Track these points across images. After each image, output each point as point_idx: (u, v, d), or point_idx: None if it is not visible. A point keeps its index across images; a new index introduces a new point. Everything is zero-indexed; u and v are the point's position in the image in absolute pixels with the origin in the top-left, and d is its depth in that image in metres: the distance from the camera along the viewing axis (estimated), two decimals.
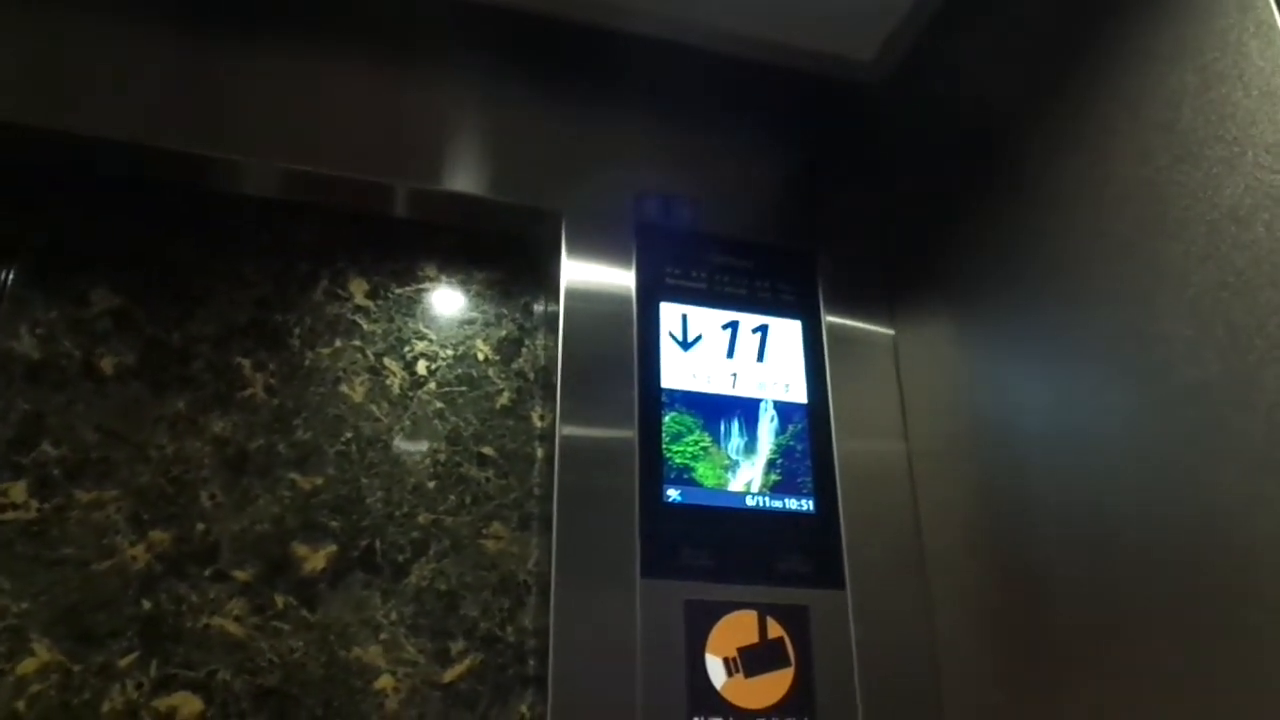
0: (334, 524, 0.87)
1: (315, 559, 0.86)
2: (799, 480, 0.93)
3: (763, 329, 0.99)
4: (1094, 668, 0.72)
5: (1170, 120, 0.69)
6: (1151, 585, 0.68)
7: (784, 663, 0.85)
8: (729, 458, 0.92)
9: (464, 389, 0.97)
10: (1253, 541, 0.60)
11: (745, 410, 0.94)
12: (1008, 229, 0.87)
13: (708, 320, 0.97)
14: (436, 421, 0.94)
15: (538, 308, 1.03)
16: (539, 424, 0.97)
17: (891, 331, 1.04)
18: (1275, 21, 0.62)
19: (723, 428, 0.93)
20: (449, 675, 0.85)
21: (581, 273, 0.95)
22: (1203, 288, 0.65)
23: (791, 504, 0.92)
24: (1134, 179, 0.72)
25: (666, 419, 0.91)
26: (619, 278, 0.96)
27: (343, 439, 0.90)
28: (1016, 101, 0.87)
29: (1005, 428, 0.85)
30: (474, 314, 1.01)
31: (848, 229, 1.08)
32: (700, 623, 0.84)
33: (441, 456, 0.93)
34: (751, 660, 0.84)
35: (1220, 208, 0.64)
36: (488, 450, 0.95)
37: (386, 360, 0.95)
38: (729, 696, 0.82)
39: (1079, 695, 0.73)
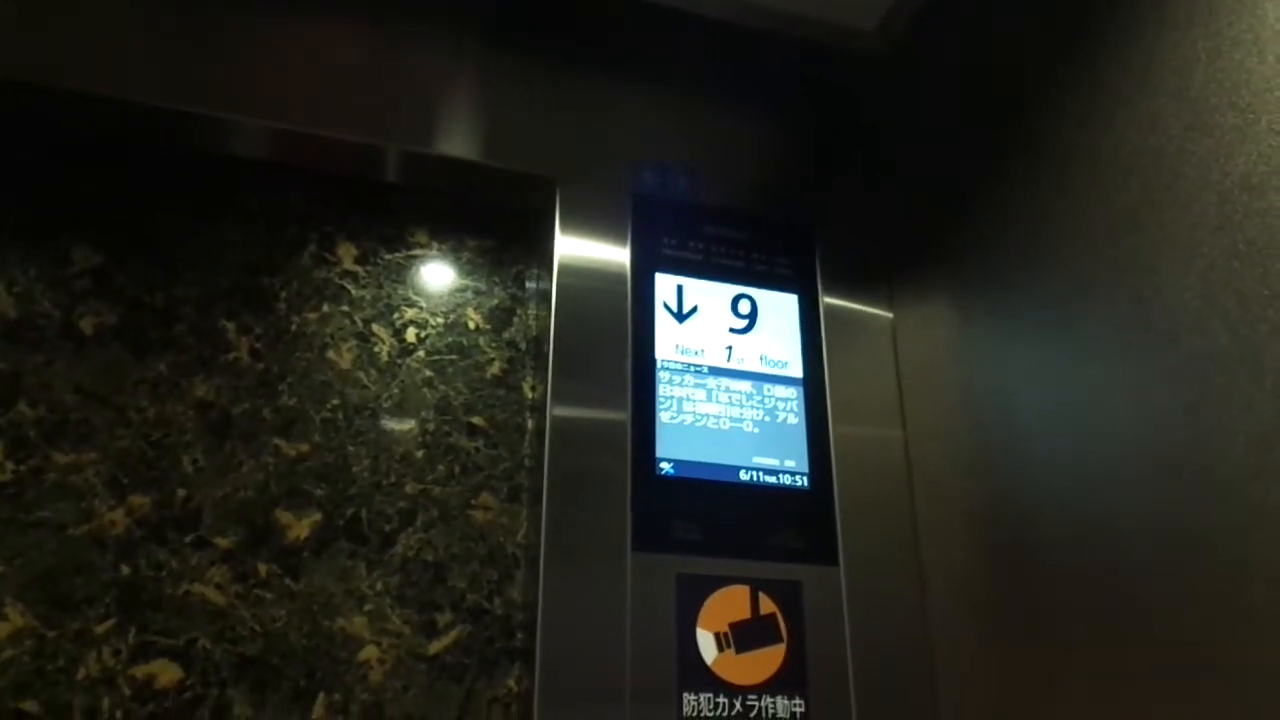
0: (319, 492, 0.85)
1: (299, 527, 0.84)
2: (793, 456, 0.91)
3: (759, 302, 0.97)
4: (1091, 645, 0.71)
5: (1181, 88, 0.68)
6: (1152, 562, 0.67)
7: (776, 638, 0.84)
8: (722, 431, 0.90)
9: (454, 358, 0.95)
10: (1259, 515, 0.59)
11: (740, 382, 0.93)
12: (1011, 203, 0.85)
13: (703, 292, 0.96)
14: (426, 390, 0.92)
15: (530, 276, 1.01)
16: (530, 394, 0.95)
17: (890, 314, 1.02)
18: None
19: (717, 400, 0.91)
20: (435, 647, 0.84)
21: (575, 240, 0.93)
22: (1213, 258, 0.64)
23: (785, 479, 0.90)
24: (1143, 149, 0.70)
25: (660, 391, 0.90)
26: (613, 247, 0.94)
27: (329, 406, 0.88)
28: (1020, 72, 0.86)
29: (1004, 406, 0.84)
30: (465, 282, 0.99)
31: (848, 205, 1.07)
32: (692, 597, 0.83)
33: (430, 426, 0.91)
34: (743, 635, 0.83)
35: (1232, 176, 0.63)
36: (477, 420, 0.93)
37: (375, 327, 0.93)
38: (720, 672, 0.81)
39: (1075, 673, 0.72)
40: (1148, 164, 0.70)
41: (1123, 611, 0.68)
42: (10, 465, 0.78)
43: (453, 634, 0.85)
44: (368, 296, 0.94)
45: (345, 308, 0.93)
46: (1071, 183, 0.78)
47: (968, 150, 0.93)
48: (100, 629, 0.76)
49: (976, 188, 0.91)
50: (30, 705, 0.72)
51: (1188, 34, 0.68)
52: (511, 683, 0.84)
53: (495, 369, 0.96)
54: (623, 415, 0.87)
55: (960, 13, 0.95)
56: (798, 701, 0.82)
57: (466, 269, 0.99)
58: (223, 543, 0.81)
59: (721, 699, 0.80)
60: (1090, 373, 0.74)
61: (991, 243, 0.88)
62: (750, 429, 0.91)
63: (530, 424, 0.94)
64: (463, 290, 0.98)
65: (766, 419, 0.92)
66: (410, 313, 0.95)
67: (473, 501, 0.90)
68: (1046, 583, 0.76)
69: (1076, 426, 0.75)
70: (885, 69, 1.04)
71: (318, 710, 0.78)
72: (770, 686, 0.82)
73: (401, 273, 0.97)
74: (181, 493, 0.82)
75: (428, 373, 0.93)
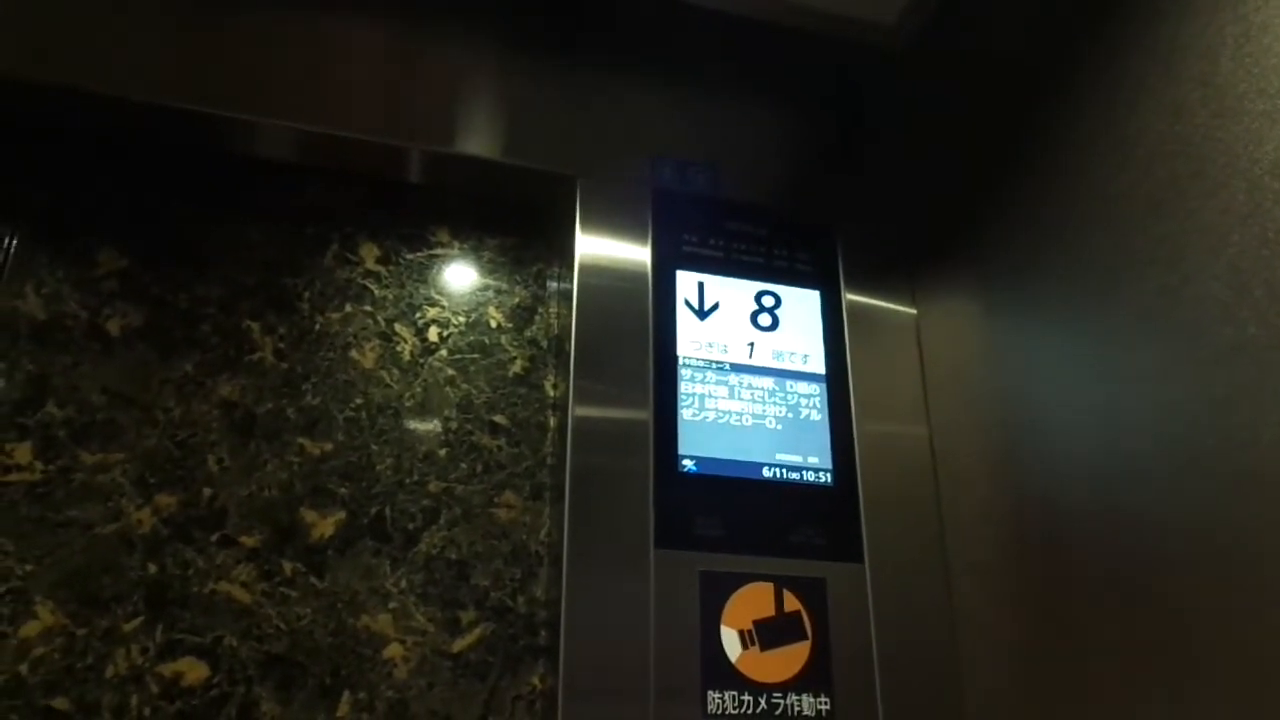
0: (343, 491, 0.86)
1: (324, 525, 0.84)
2: (816, 452, 0.91)
3: (781, 298, 0.97)
4: (1120, 642, 0.70)
5: (1208, 74, 0.67)
6: (1183, 557, 0.65)
7: (800, 636, 0.83)
8: (745, 428, 0.90)
9: (476, 356, 0.95)
10: None
11: (762, 379, 0.92)
12: (1034, 195, 0.85)
13: (725, 288, 0.95)
14: (448, 389, 0.93)
15: (551, 275, 1.01)
16: (552, 393, 0.95)
17: (913, 310, 1.02)
18: None
19: (739, 397, 0.91)
20: (459, 645, 0.84)
21: (596, 238, 0.93)
22: (1242, 247, 0.62)
23: (809, 476, 0.90)
24: (1169, 136, 0.69)
25: (681, 388, 0.89)
26: (634, 244, 0.94)
27: (352, 405, 0.89)
28: (1044, 63, 0.85)
29: (1029, 400, 0.83)
30: (486, 280, 0.99)
31: (868, 200, 1.06)
32: (715, 594, 0.83)
33: (453, 424, 0.91)
34: (767, 633, 0.82)
35: (1262, 163, 0.62)
36: (500, 419, 0.93)
37: (397, 326, 0.94)
38: (744, 669, 0.81)
39: (1103, 670, 0.71)
40: (1174, 151, 0.69)
41: (1153, 607, 0.67)
42: (39, 465, 0.79)
43: (476, 632, 0.85)
44: (390, 296, 0.95)
45: (368, 307, 0.93)
46: (1094, 173, 0.77)
47: (989, 142, 0.92)
48: (128, 627, 0.77)
49: (998, 180, 0.90)
50: (60, 703, 0.73)
51: (1214, 19, 0.67)
52: (535, 680, 0.84)
53: (517, 367, 0.96)
54: (644, 413, 0.87)
55: (979, 4, 0.94)
56: (823, 699, 0.81)
57: (488, 268, 1.00)
58: (248, 541, 0.82)
59: (746, 696, 0.80)
60: (1117, 365, 0.73)
61: (1014, 235, 0.87)
62: (773, 426, 0.91)
63: (552, 422, 0.94)
64: (484, 289, 0.99)
65: (789, 416, 0.92)
66: (432, 312, 0.95)
67: (495, 500, 0.90)
68: (1074, 578, 0.75)
69: (1103, 420, 0.74)
70: (905, 62, 1.03)
71: (343, 708, 0.79)
72: (795, 684, 0.81)
73: (423, 272, 0.97)
74: (207, 492, 0.82)
75: (450, 372, 0.94)
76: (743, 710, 0.79)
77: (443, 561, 0.86)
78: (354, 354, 0.91)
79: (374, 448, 0.88)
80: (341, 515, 0.85)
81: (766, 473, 0.89)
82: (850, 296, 1.00)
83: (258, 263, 0.92)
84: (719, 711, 0.79)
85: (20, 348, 0.82)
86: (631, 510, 0.84)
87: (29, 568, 0.76)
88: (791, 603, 0.84)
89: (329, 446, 0.87)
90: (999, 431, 0.87)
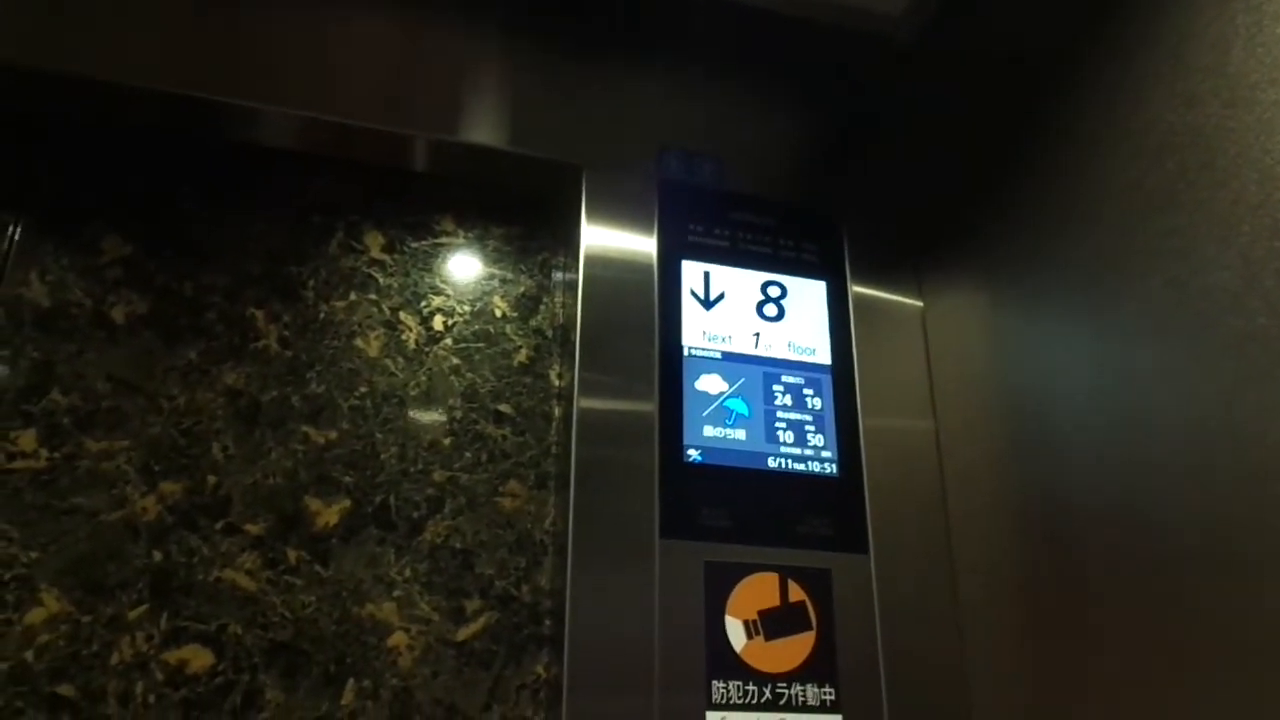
0: (347, 479, 0.86)
1: (328, 514, 0.84)
2: (822, 443, 0.91)
3: (787, 289, 0.96)
4: (1125, 637, 0.70)
5: (1219, 64, 0.66)
6: (1190, 549, 0.65)
7: (805, 626, 0.83)
8: (750, 418, 0.90)
9: (481, 345, 0.95)
10: None
11: (768, 370, 0.92)
12: (1041, 187, 0.84)
13: (730, 279, 0.95)
14: (453, 378, 0.93)
15: (556, 264, 1.01)
16: (557, 382, 0.95)
17: (920, 303, 1.01)
18: None
19: (745, 387, 0.91)
20: (463, 634, 0.84)
21: (602, 228, 0.93)
22: (1253, 236, 0.62)
23: (814, 466, 0.90)
24: (1179, 126, 0.69)
25: (687, 378, 0.89)
26: (640, 234, 0.94)
27: (357, 393, 0.89)
28: (1051, 54, 0.85)
29: (1037, 393, 0.83)
30: (491, 269, 0.99)
31: (875, 191, 1.06)
32: (720, 584, 0.82)
33: (458, 413, 0.91)
34: (772, 623, 0.82)
35: (1274, 153, 0.61)
36: (504, 408, 0.93)
37: (402, 315, 0.93)
38: (749, 659, 0.81)
39: (1108, 664, 0.71)
40: (1184, 142, 0.68)
41: (1160, 602, 0.67)
42: (44, 453, 0.79)
43: (481, 620, 0.85)
44: (395, 285, 0.94)
45: (373, 296, 0.93)
46: (1103, 163, 0.76)
47: (996, 134, 0.92)
48: (133, 614, 0.77)
49: (1005, 172, 0.89)
50: (66, 690, 0.73)
51: (1225, 9, 0.66)
52: (540, 669, 0.84)
53: (522, 356, 0.96)
54: (650, 403, 0.87)
55: None
56: (827, 689, 0.81)
57: (493, 257, 1.00)
58: (253, 529, 0.82)
59: (751, 687, 0.80)
60: (1126, 357, 0.73)
61: (1022, 227, 0.87)
62: (779, 416, 0.90)
63: (557, 411, 0.94)
64: (489, 278, 0.98)
65: (795, 406, 0.91)
66: (437, 300, 0.95)
67: (500, 489, 0.90)
68: (1080, 572, 0.75)
69: (1112, 413, 0.74)
70: (912, 53, 1.02)
71: (347, 696, 0.79)
72: (800, 674, 0.81)
73: (428, 261, 0.97)
74: (212, 480, 0.82)
75: (455, 360, 0.93)
76: (747, 700, 0.79)
77: (447, 550, 0.86)
78: (359, 342, 0.91)
79: (379, 436, 0.88)
80: (346, 504, 0.85)
81: (772, 463, 0.88)
82: (856, 288, 1.00)
83: (262, 251, 0.92)
84: (723, 701, 0.79)
85: (25, 335, 0.82)
86: (636, 500, 0.84)
87: (34, 555, 0.76)
88: (796, 593, 0.84)
89: (333, 435, 0.87)
90: (1005, 424, 0.87)
